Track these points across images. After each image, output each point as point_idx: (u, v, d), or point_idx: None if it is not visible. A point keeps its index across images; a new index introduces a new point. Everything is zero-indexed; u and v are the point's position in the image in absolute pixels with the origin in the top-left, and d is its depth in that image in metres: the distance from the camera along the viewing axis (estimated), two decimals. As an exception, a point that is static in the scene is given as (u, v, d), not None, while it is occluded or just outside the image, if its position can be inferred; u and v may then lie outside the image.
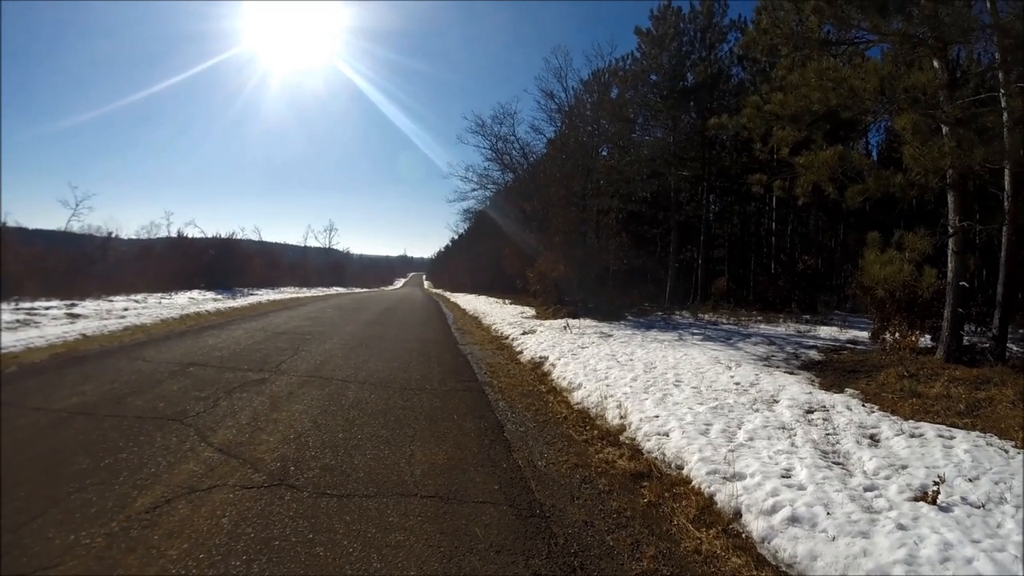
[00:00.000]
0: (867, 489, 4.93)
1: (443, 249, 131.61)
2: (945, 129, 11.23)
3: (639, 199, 29.13)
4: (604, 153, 29.42)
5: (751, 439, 6.26)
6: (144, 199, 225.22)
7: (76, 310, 19.87)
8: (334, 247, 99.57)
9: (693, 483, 5.27)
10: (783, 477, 5.17)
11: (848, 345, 14.71)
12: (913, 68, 11.84)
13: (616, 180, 26.95)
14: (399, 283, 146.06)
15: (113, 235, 41.97)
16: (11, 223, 30.03)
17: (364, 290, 73.14)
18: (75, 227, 40.79)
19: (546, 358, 11.93)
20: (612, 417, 7.50)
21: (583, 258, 24.70)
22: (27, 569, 3.57)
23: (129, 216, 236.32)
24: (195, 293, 33.70)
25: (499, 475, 5.40)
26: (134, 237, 49.62)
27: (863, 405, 8.00)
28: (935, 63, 11.55)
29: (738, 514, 4.68)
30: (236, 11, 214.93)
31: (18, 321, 15.94)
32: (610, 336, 15.41)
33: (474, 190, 36.86)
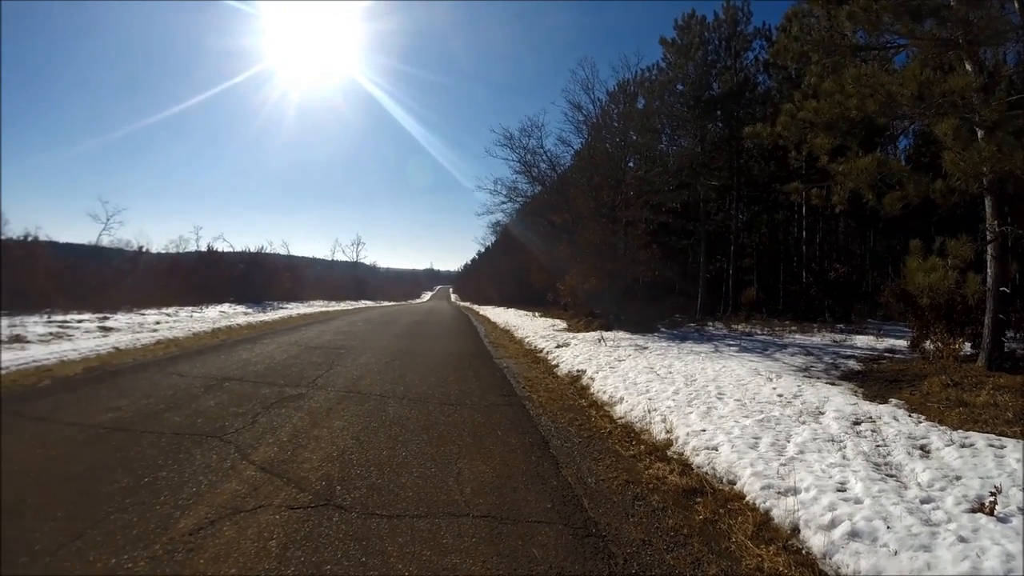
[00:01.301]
0: (924, 501, 4.80)
1: (470, 262, 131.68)
2: (980, 133, 11.02)
3: (668, 210, 28.88)
4: (631, 164, 29.20)
5: (802, 452, 6.09)
6: (173, 214, 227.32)
7: (108, 323, 20.00)
8: (361, 261, 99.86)
9: (747, 498, 5.12)
10: (838, 491, 5.02)
11: (886, 354, 14.44)
12: (949, 72, 11.64)
13: (646, 191, 26.71)
14: (426, 296, 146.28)
15: (143, 249, 42.26)
16: (43, 237, 30.09)
17: (392, 303, 73.23)
18: (106, 241, 41.12)
19: (584, 371, 11.75)
20: (658, 431, 7.33)
21: (614, 270, 24.45)
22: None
23: (159, 230, 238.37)
24: (225, 307, 33.90)
25: (550, 493, 5.24)
26: (164, 251, 49.83)
27: (910, 415, 7.78)
28: (967, 66, 11.35)
29: (796, 529, 4.53)
30: (256, 28, 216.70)
31: (51, 334, 16.00)
32: (645, 348, 15.19)
33: (502, 203, 36.77)
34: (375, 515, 4.61)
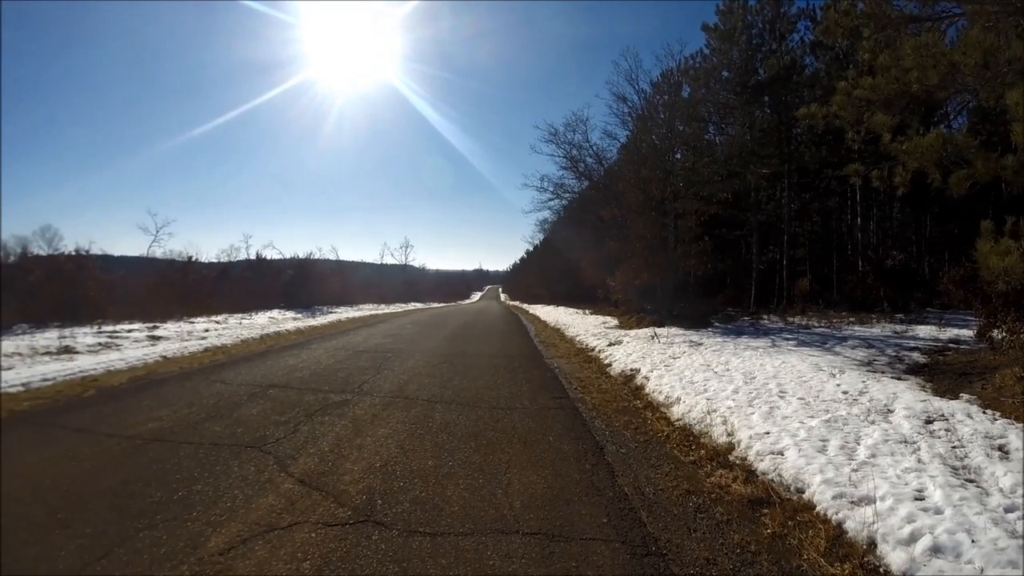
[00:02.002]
0: (1008, 510, 4.37)
1: (518, 261, 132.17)
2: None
3: (719, 200, 28.42)
4: (678, 156, 28.80)
5: (873, 456, 5.65)
6: (223, 223, 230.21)
7: (157, 332, 20.11)
8: (410, 263, 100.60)
9: (818, 509, 4.70)
10: (916, 499, 4.58)
11: (951, 345, 13.88)
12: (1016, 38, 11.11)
13: (695, 182, 26.30)
14: (475, 296, 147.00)
15: (193, 259, 42.90)
16: (95, 251, 30.78)
17: (441, 305, 73.51)
18: (156, 252, 41.98)
19: (638, 370, 11.41)
20: (718, 435, 6.93)
21: (665, 264, 24.10)
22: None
23: (209, 241, 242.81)
24: (275, 312, 34.19)
25: (606, 505, 4.89)
26: (214, 260, 50.63)
27: (983, 412, 7.28)
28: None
29: (873, 544, 4.10)
30: (297, 38, 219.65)
31: (100, 344, 16.11)
32: (700, 345, 14.79)
33: (549, 200, 36.76)
34: (417, 533, 4.33)
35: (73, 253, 29.41)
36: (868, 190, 27.63)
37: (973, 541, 3.86)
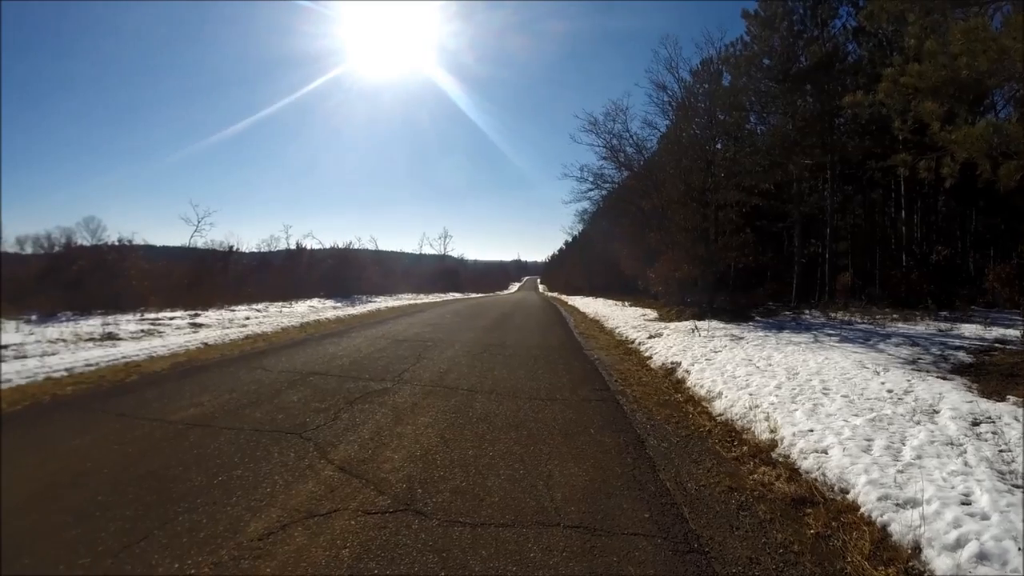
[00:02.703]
0: (1055, 518, 4.20)
1: (557, 252, 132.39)
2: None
3: (760, 192, 28.07)
4: (719, 146, 28.51)
5: (919, 457, 5.51)
6: (263, 214, 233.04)
7: (199, 320, 20.30)
8: (448, 254, 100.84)
9: (862, 510, 4.58)
10: (963, 504, 4.45)
11: (997, 345, 13.59)
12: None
13: (737, 172, 26.03)
14: (514, 287, 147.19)
15: (234, 249, 43.38)
16: (138, 241, 31.32)
17: (479, 295, 73.60)
18: (198, 243, 42.52)
19: (679, 364, 11.30)
20: (761, 431, 6.82)
21: (706, 256, 23.91)
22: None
23: (250, 230, 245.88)
24: (314, 301, 34.41)
25: (647, 500, 4.82)
26: (255, 250, 51.22)
27: (1031, 416, 7.17)
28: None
29: (918, 549, 3.98)
30: (337, 30, 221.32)
31: (142, 331, 16.27)
32: (741, 339, 14.64)
33: (589, 190, 36.68)
34: (458, 523, 4.29)
35: (116, 243, 29.86)
36: (912, 182, 27.14)
37: (1020, 549, 3.76)
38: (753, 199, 27.07)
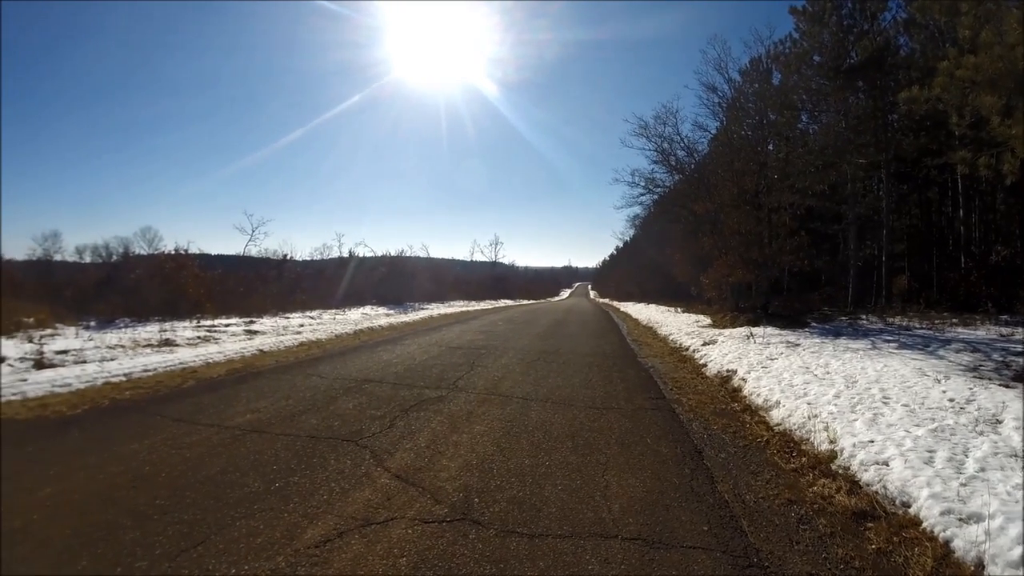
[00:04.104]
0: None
1: (608, 258, 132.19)
2: None
3: (815, 193, 27.69)
4: (771, 147, 28.21)
5: (983, 469, 5.34)
6: (316, 223, 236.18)
7: (254, 327, 20.51)
8: (499, 260, 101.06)
9: (924, 525, 4.46)
10: (1027, 520, 4.32)
11: (1062, 351, 13.35)
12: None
13: (791, 174, 25.73)
14: (565, 294, 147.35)
15: (288, 257, 44.13)
16: (193, 250, 32.07)
17: (530, 302, 73.64)
18: (252, 251, 43.32)
19: (734, 372, 11.17)
20: (819, 441, 6.68)
21: (760, 261, 23.65)
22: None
23: (303, 239, 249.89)
24: (367, 308, 34.75)
25: (706, 512, 4.75)
26: (308, 258, 52.07)
27: (1098, 427, 6.97)
28: None
29: (980, 566, 3.85)
30: (383, 40, 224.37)
31: (199, 337, 16.51)
32: (798, 345, 14.40)
33: (641, 195, 36.61)
34: (515, 533, 4.27)
35: (173, 252, 30.44)
36: (970, 179, 26.62)
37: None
38: (807, 200, 26.76)
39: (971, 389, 8.79)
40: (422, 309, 37.92)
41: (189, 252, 31.05)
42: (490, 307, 48.63)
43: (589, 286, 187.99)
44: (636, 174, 36.95)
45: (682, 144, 32.07)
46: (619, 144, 71.23)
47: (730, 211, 25.20)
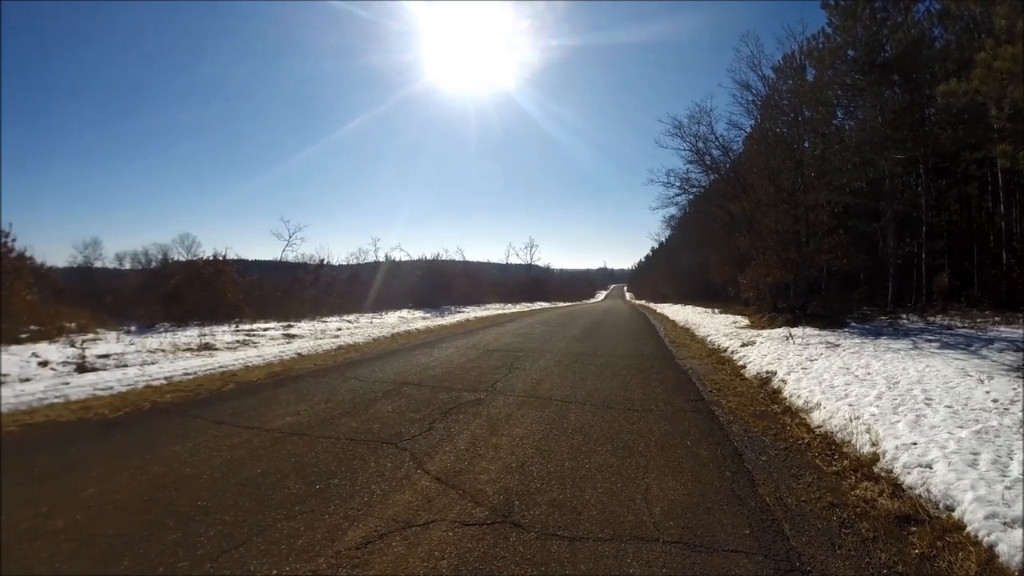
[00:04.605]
0: None
1: (643, 259, 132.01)
2: None
3: (852, 190, 27.37)
4: (807, 144, 27.93)
5: (1028, 472, 5.31)
6: (352, 227, 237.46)
7: (292, 331, 20.67)
8: (535, 263, 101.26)
9: (968, 529, 4.36)
10: (1073, 524, 4.22)
11: (1108, 350, 13.12)
12: None
13: (828, 171, 25.46)
14: (600, 296, 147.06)
15: (325, 262, 44.52)
16: (231, 255, 32.80)
17: (566, 304, 73.66)
18: (289, 256, 43.82)
19: (774, 373, 11.08)
20: (861, 444, 6.59)
21: (798, 260, 23.46)
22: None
23: (339, 243, 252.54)
24: (404, 312, 35.01)
25: (747, 515, 4.70)
26: (344, 263, 52.57)
27: None
28: None
29: (1025, 572, 3.81)
30: (415, 44, 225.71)
31: (238, 341, 16.67)
32: (837, 346, 14.26)
33: (676, 195, 36.41)
34: (556, 536, 4.25)
35: (211, 258, 30.78)
36: (1011, 173, 26.14)
37: None
38: (845, 198, 26.47)
39: (1015, 389, 8.66)
40: (458, 312, 38.06)
41: (227, 258, 31.38)
42: (526, 310, 48.71)
43: (625, 288, 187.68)
44: (671, 174, 36.73)
45: (717, 143, 31.92)
46: (653, 145, 71.23)
47: (767, 210, 25.03)
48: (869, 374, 10.27)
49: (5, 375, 10.78)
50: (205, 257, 31.62)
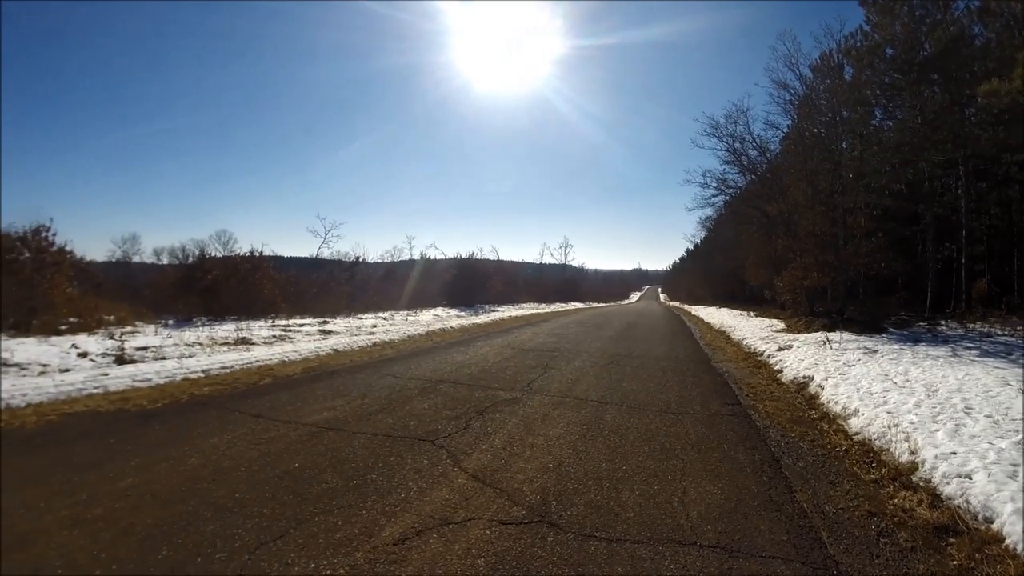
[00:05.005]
0: None
1: (678, 260, 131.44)
2: None
3: (892, 192, 27.03)
4: (844, 145, 27.61)
5: (1071, 486, 5.23)
6: (387, 225, 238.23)
7: (328, 327, 20.86)
8: (569, 263, 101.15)
9: (1007, 542, 4.28)
10: (1115, 541, 4.14)
11: None
12: None
13: (867, 173, 25.16)
14: (634, 297, 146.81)
15: (360, 259, 44.83)
16: (267, 252, 33.03)
17: (600, 305, 73.64)
18: (325, 254, 44.15)
19: (811, 378, 10.96)
20: (900, 452, 6.51)
21: (836, 264, 23.21)
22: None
23: (374, 241, 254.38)
24: (439, 310, 35.21)
25: (784, 522, 4.67)
26: (379, 260, 52.95)
27: None
28: None
29: (1064, 587, 3.73)
30: (449, 44, 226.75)
31: (274, 336, 16.84)
32: (875, 352, 14.09)
33: (712, 196, 36.12)
34: (593, 537, 4.24)
35: (248, 254, 31.12)
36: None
37: None
38: (884, 200, 26.17)
39: (1058, 400, 8.54)
40: (493, 311, 38.14)
41: (263, 254, 31.71)
42: (560, 310, 48.78)
43: (659, 289, 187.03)
44: (707, 175, 36.41)
45: (754, 143, 31.62)
46: (688, 145, 70.83)
47: (804, 212, 24.85)
48: (908, 381, 10.15)
49: (45, 365, 10.95)
50: (242, 253, 32.00)
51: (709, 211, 47.02)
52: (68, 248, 21.72)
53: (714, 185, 35.22)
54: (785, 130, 30.31)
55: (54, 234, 20.50)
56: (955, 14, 28.39)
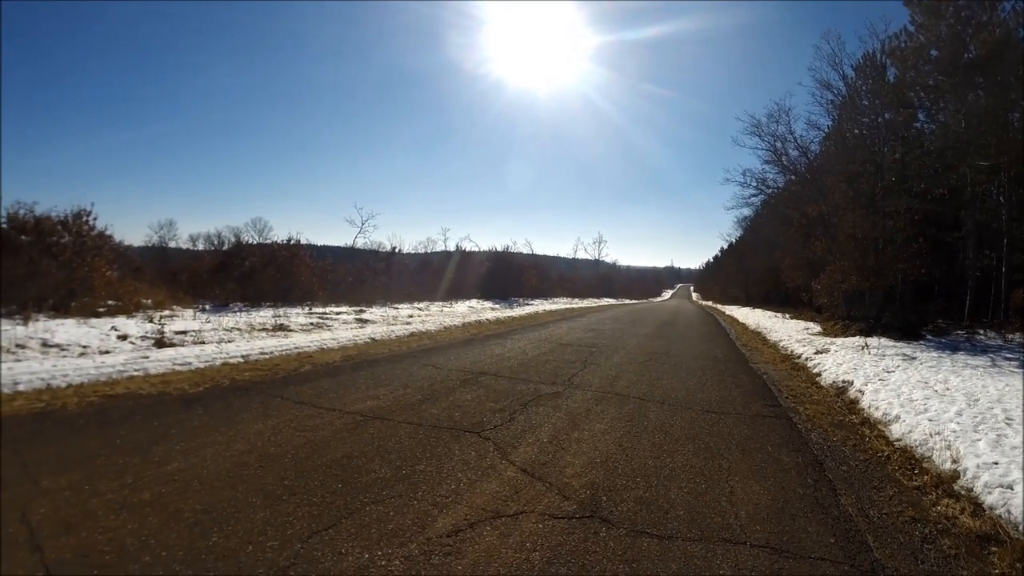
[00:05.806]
0: None
1: (712, 259, 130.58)
2: None
3: (934, 197, 26.67)
4: (886, 148, 27.27)
5: (1110, 499, 5.21)
6: (422, 215, 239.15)
7: (364, 316, 20.98)
8: (603, 259, 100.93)
9: None
10: None
11: None
12: None
13: (909, 176, 24.88)
14: (666, 295, 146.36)
15: (396, 249, 45.07)
16: (303, 240, 33.46)
17: (633, 302, 73.51)
18: (360, 243, 44.62)
19: (850, 383, 10.88)
20: (942, 460, 6.49)
21: (875, 268, 22.99)
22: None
23: (409, 232, 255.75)
24: (473, 302, 35.35)
25: (831, 524, 4.70)
26: (413, 251, 53.39)
27: None
28: None
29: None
30: (486, 39, 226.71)
31: (312, 324, 17.02)
32: (914, 359, 13.96)
33: (752, 195, 36.00)
34: (645, 534, 4.28)
35: (286, 241, 31.42)
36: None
37: None
38: (925, 205, 25.86)
39: (1099, 414, 8.48)
40: (527, 305, 38.23)
41: (300, 242, 31.99)
42: (593, 305, 48.83)
43: (692, 288, 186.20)
44: (747, 174, 36.27)
45: (795, 143, 31.43)
46: (726, 143, 70.61)
47: (844, 214, 24.59)
48: (948, 389, 10.07)
49: (85, 347, 11.14)
50: (279, 241, 32.31)
51: (747, 210, 46.81)
52: (108, 232, 22.06)
53: (754, 184, 35.16)
54: (826, 130, 30.10)
55: (95, 218, 20.79)
56: (1002, 16, 27.92)
